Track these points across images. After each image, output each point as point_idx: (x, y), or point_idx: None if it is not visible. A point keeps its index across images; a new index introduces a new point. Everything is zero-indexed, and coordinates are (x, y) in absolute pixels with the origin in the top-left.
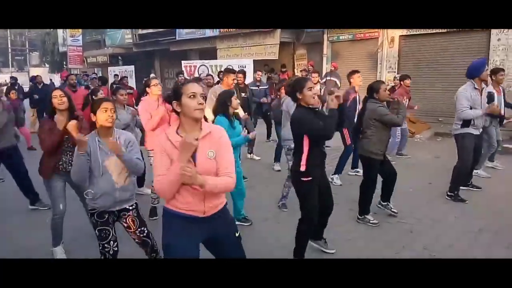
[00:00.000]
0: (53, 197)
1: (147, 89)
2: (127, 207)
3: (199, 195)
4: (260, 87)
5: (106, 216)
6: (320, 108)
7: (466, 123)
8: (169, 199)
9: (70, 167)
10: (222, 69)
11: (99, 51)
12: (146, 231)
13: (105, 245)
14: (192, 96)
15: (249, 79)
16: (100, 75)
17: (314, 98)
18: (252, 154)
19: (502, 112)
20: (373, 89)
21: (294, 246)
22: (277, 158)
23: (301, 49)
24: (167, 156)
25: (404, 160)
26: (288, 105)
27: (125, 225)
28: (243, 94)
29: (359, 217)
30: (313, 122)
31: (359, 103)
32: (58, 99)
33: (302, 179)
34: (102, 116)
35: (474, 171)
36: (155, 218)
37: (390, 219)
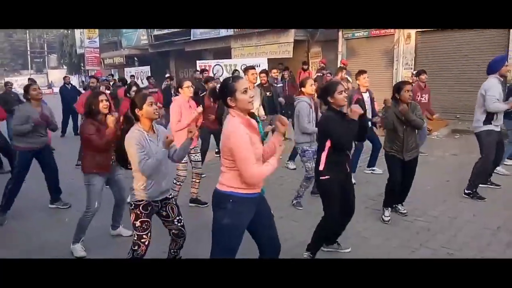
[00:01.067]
0: (91, 194)
1: (179, 89)
2: (168, 196)
3: None
4: (277, 85)
5: (149, 209)
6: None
7: (489, 119)
8: (240, 183)
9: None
10: (237, 68)
11: (115, 52)
12: (182, 221)
13: (143, 235)
14: (245, 91)
15: None
16: (117, 76)
17: (345, 101)
18: None
19: None
20: (396, 89)
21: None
22: (292, 157)
23: (316, 47)
24: (250, 139)
25: (421, 157)
26: (301, 109)
27: (164, 214)
28: (268, 93)
29: (382, 207)
30: (336, 130)
31: (370, 103)
32: (104, 104)
33: (321, 177)
34: (150, 109)
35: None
36: None
37: (407, 217)
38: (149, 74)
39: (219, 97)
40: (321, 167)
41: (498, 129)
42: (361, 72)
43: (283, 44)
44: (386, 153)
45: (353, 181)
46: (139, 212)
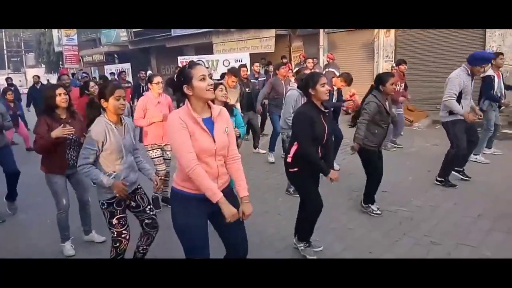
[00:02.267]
0: (55, 193)
1: (149, 85)
2: (137, 186)
3: (213, 174)
4: (259, 79)
5: (123, 204)
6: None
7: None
8: (181, 181)
9: (74, 162)
10: (218, 64)
11: (94, 49)
12: (154, 210)
13: (123, 231)
14: (202, 79)
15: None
16: (97, 73)
17: (326, 94)
18: (258, 148)
19: (502, 96)
20: (381, 81)
21: (294, 238)
22: (271, 148)
23: (297, 41)
24: (187, 131)
25: (403, 149)
26: (289, 97)
27: (134, 204)
28: (247, 89)
29: (364, 205)
30: (305, 132)
31: (338, 97)
32: (62, 97)
33: (290, 170)
34: (115, 104)
35: (473, 156)
36: (159, 210)
37: (390, 207)
38: (130, 71)
39: (176, 87)
40: (289, 160)
41: None
42: (340, 76)
43: (264, 38)
44: (364, 149)
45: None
46: (113, 210)
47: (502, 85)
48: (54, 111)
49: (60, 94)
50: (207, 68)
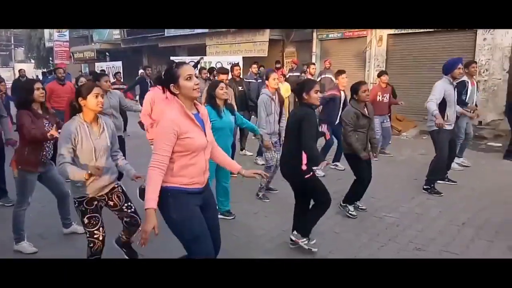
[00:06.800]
0: (24, 190)
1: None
2: (114, 185)
3: (201, 168)
4: (258, 80)
5: (95, 203)
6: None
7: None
8: (171, 178)
9: (48, 158)
10: (212, 66)
11: (86, 46)
12: (133, 207)
13: (95, 231)
14: (189, 78)
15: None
16: (87, 71)
17: (318, 100)
18: (244, 150)
19: (474, 104)
20: (354, 90)
21: (288, 236)
22: (260, 153)
23: (291, 47)
24: (175, 136)
25: (390, 157)
26: (260, 101)
27: (111, 203)
28: (239, 88)
29: (342, 204)
30: (313, 131)
31: (343, 102)
32: (40, 91)
33: (306, 177)
34: (93, 101)
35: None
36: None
37: (376, 213)
38: (121, 70)
39: (163, 85)
40: (304, 168)
41: (450, 127)
42: (341, 71)
43: (258, 43)
44: (348, 154)
45: (322, 173)
46: (84, 209)
47: (475, 92)
48: (31, 106)
49: (38, 89)
50: (204, 68)
